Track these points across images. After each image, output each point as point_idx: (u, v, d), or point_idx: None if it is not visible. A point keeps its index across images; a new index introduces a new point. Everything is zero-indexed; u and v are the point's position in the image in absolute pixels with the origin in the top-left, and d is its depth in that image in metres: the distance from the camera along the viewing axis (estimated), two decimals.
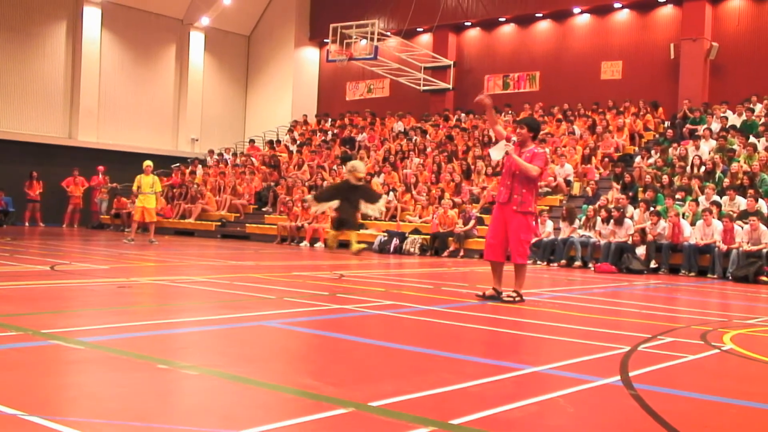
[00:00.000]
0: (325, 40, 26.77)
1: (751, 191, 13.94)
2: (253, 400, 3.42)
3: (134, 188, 16.76)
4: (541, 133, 20.72)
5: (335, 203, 10.39)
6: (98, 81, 26.38)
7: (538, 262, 14.91)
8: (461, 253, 16.03)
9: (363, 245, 10.98)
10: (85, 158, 25.00)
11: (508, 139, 7.86)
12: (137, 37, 27.68)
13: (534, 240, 15.10)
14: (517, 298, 7.67)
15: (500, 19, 25.36)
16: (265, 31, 30.96)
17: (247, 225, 21.11)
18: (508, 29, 25.49)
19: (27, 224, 22.70)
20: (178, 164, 26.30)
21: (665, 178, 15.97)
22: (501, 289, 7.83)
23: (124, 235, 18.23)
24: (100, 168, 24.60)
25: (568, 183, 17.83)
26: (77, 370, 3.99)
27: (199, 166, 25.76)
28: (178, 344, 4.90)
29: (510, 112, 23.16)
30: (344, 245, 10.96)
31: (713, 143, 17.35)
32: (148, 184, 16.41)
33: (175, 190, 24.02)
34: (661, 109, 20.99)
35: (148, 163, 16.66)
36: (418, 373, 4.15)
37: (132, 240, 16.32)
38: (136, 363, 4.10)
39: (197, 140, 29.36)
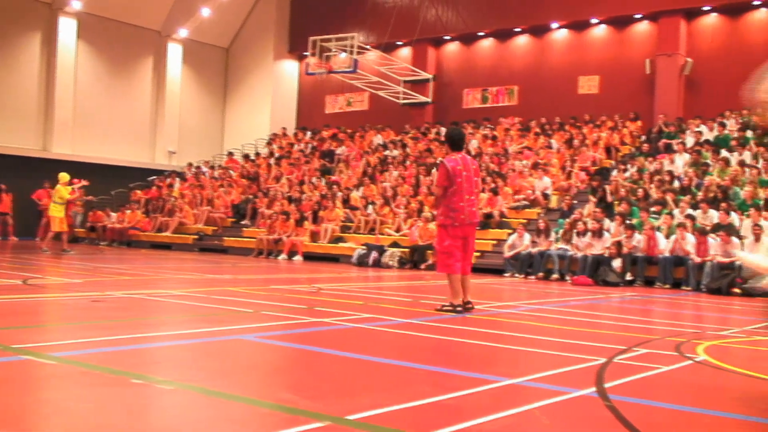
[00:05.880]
0: (305, 53, 26.76)
1: (723, 204, 14.13)
2: (229, 415, 3.40)
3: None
4: (519, 146, 21.10)
5: None
6: (74, 92, 26.10)
7: (516, 275, 15.00)
8: None
9: None
10: (60, 171, 24.63)
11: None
12: (114, 48, 27.46)
13: (512, 253, 15.24)
14: (446, 306, 7.72)
15: (479, 34, 25.59)
16: (244, 44, 30.91)
17: (224, 238, 20.98)
18: (486, 43, 25.72)
19: None
20: (155, 177, 26.10)
21: (640, 192, 16.14)
22: (467, 298, 7.86)
23: (98, 249, 18.10)
24: (75, 181, 24.31)
25: (545, 196, 17.95)
26: (50, 386, 3.93)
27: (177, 179, 25.56)
28: (153, 359, 4.85)
29: (488, 126, 23.33)
30: None
31: (687, 157, 17.59)
32: (57, 194, 16.89)
33: (152, 203, 23.80)
34: (639, 122, 21.25)
35: (61, 174, 17.16)
36: (396, 386, 4.15)
37: (46, 250, 16.45)
38: (110, 378, 4.05)
39: (175, 153, 29.16)
